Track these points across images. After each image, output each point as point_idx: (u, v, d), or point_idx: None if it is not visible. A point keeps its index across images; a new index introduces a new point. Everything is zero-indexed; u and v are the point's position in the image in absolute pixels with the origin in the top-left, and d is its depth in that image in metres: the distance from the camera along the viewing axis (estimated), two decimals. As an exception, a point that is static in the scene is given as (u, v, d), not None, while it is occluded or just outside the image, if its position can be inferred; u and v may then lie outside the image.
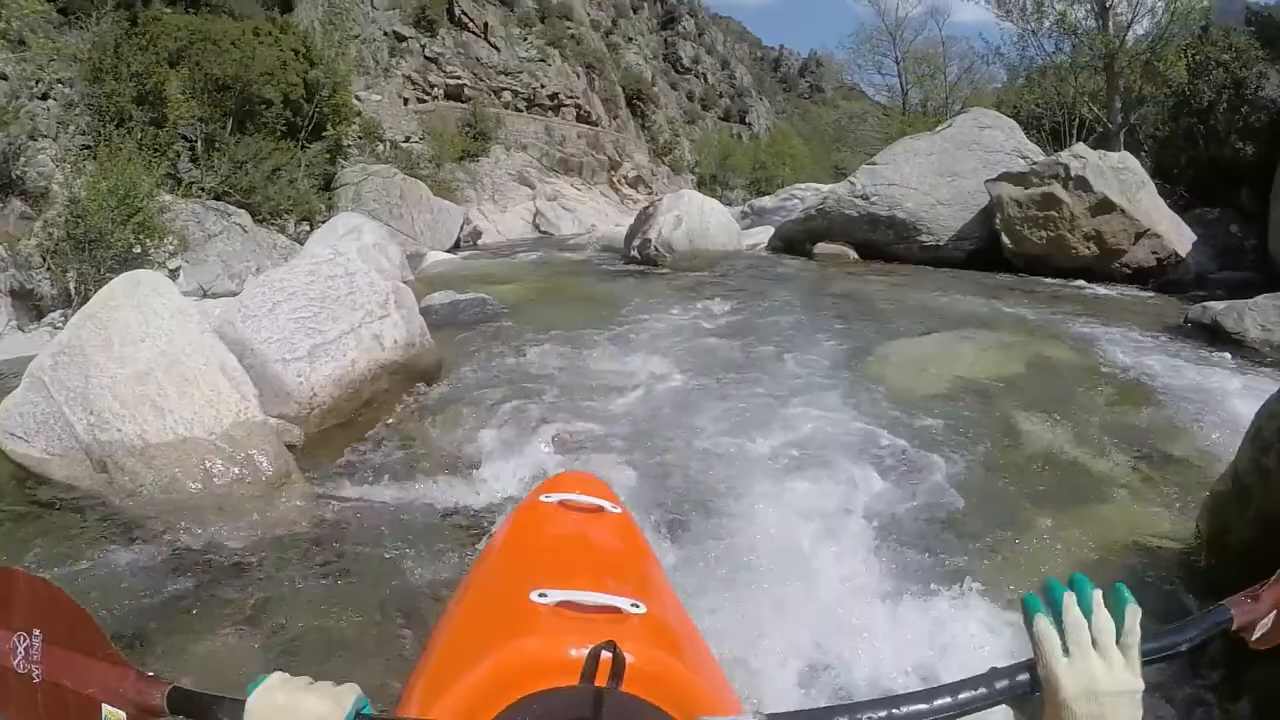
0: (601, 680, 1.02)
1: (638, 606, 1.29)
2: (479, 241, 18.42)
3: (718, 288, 8.79)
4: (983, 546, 3.20)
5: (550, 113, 26.55)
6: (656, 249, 10.91)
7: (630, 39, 41.41)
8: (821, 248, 11.09)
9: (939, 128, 12.22)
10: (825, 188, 12.63)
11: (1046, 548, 3.19)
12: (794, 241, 11.58)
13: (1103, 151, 10.74)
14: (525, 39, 27.91)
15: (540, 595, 1.27)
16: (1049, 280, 9.50)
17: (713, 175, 36.68)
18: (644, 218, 11.86)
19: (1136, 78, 14.12)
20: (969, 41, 29.34)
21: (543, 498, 1.80)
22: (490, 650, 1.14)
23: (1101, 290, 9.15)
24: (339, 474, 3.96)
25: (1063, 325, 6.90)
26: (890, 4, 28.62)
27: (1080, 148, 10.42)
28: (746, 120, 51.23)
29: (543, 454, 4.12)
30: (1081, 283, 9.44)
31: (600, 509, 1.79)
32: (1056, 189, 9.81)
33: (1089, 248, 9.66)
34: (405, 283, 8.93)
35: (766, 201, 17.40)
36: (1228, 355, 6.06)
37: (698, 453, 4.12)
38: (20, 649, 1.04)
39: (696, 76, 48.64)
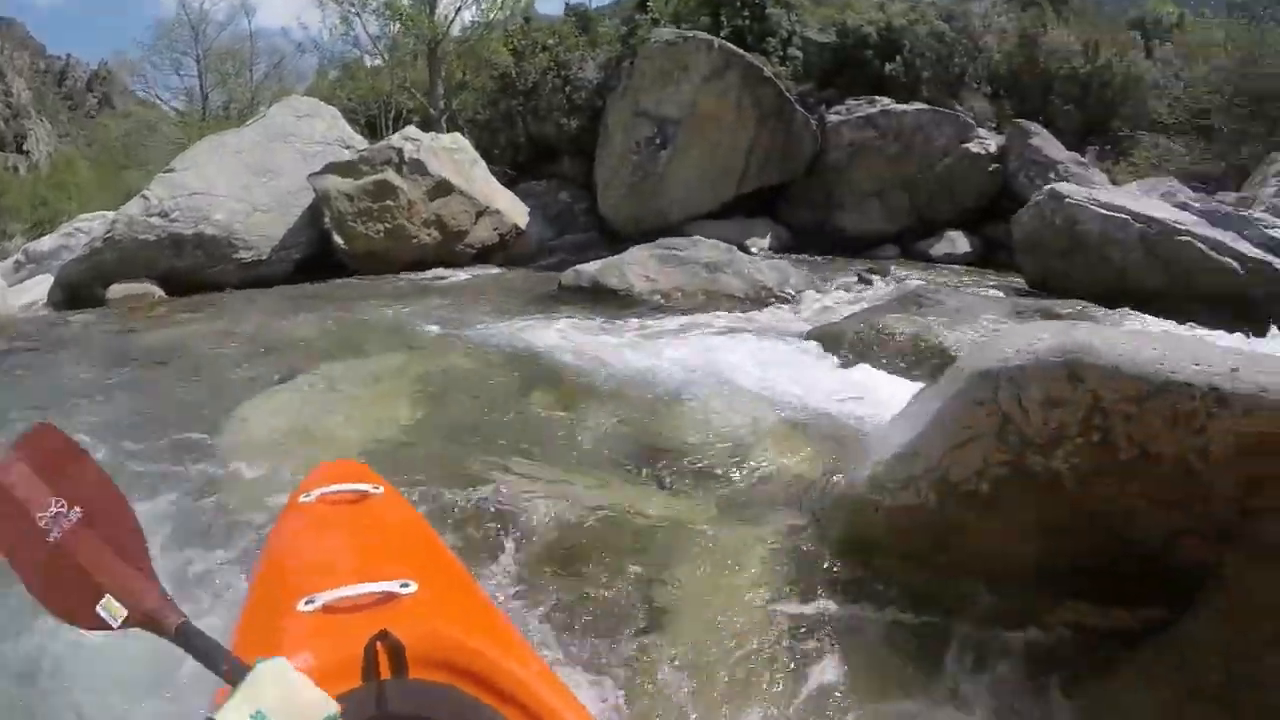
0: (385, 672, 1.13)
1: (408, 586, 1.34)
2: None
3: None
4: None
5: None
6: None
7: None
8: (117, 290, 8.89)
9: (250, 121, 10.97)
10: (114, 213, 10.42)
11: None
12: (79, 288, 9.19)
13: (434, 133, 10.60)
14: None
15: (307, 603, 1.29)
16: (398, 277, 9.01)
17: (-19, 223, 30.88)
18: None
19: (460, 64, 14.53)
20: (287, 34, 28.84)
21: (302, 498, 1.81)
22: None
23: (462, 276, 9.04)
24: None
25: (453, 326, 6.17)
26: (195, -4, 26.51)
27: (412, 130, 10.28)
28: (24, 149, 44.45)
29: None
30: (439, 271, 9.21)
31: (364, 495, 1.82)
32: (390, 175, 9.37)
33: (431, 234, 9.42)
34: None
35: (45, 243, 13.98)
36: (625, 311, 6.26)
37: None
38: (53, 511, 1.19)
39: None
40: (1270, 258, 6.36)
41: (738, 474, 3.33)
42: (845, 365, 4.78)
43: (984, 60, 12.68)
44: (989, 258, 10.18)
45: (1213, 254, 6.38)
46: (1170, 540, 2.07)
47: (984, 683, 2.09)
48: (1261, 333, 5.26)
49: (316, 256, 9.34)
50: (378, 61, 16.59)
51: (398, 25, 15.45)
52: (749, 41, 11.41)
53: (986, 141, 10.90)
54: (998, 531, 2.29)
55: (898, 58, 11.70)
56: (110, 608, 1.11)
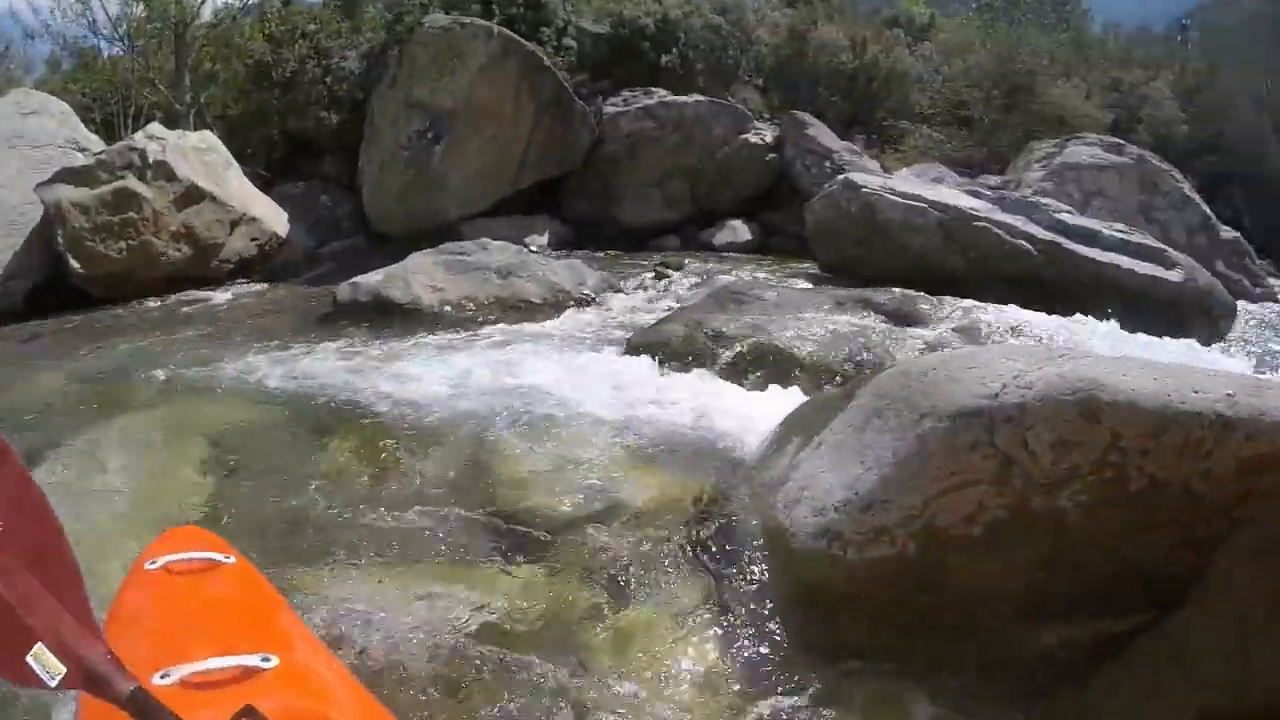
0: None
1: (269, 660, 1.32)
2: None
3: None
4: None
5: None
6: None
7: None
8: None
9: (-33, 121, 9.82)
10: None
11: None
12: None
13: (182, 131, 9.92)
14: None
15: (162, 677, 1.24)
16: (149, 302, 8.15)
17: None
18: None
19: (210, 53, 13.71)
20: (16, 17, 25.40)
21: (148, 565, 1.76)
22: None
23: (222, 296, 8.30)
24: None
25: (223, 363, 5.41)
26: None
27: (156, 127, 9.48)
28: None
29: None
30: (195, 293, 8.39)
31: (214, 564, 1.78)
32: (133, 182, 8.59)
33: (181, 249, 8.64)
34: None
35: None
36: (415, 329, 5.96)
37: None
38: None
39: None
40: (1059, 239, 6.90)
41: (605, 525, 3.00)
42: (676, 375, 4.64)
43: (755, 53, 13.26)
44: (767, 244, 10.75)
45: (1008, 238, 6.87)
46: (1167, 554, 2.13)
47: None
48: (1063, 313, 5.69)
49: (51, 282, 8.30)
50: (117, 49, 15.09)
51: (141, 7, 14.07)
52: (523, 31, 11.32)
53: (763, 132, 11.40)
54: (992, 571, 2.23)
55: (674, 49, 11.97)
56: (45, 660, 0.93)
